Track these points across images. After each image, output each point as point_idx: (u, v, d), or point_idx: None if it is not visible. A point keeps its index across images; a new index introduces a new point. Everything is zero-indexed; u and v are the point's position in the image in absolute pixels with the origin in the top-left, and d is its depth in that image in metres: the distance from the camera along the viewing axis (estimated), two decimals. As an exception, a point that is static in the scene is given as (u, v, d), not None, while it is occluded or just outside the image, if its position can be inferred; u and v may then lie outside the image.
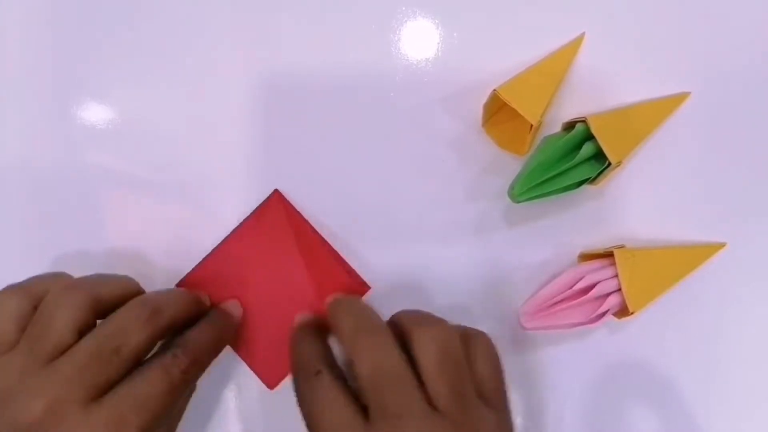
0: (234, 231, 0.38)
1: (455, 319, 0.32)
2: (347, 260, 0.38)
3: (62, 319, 0.29)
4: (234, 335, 0.36)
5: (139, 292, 0.33)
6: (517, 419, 0.37)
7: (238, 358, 0.37)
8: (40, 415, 0.27)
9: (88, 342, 0.29)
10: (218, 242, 0.38)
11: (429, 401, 0.28)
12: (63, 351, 0.28)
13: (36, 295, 0.31)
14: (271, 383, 0.37)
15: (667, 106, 0.38)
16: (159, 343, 0.32)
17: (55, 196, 0.39)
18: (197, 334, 0.33)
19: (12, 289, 0.31)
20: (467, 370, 0.29)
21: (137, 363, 0.30)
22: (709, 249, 0.37)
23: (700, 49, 0.39)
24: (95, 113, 0.39)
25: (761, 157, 0.38)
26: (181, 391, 0.30)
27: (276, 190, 0.38)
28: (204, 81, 0.39)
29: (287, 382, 0.37)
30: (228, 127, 0.39)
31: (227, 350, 0.37)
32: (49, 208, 0.39)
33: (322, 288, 0.37)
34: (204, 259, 0.38)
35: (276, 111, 0.39)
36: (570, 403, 0.37)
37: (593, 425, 0.37)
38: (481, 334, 0.32)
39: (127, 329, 0.29)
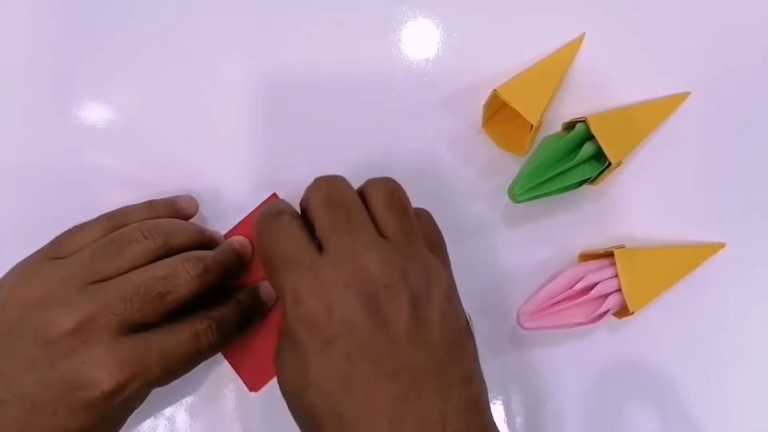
0: (228, 233, 0.37)
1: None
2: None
3: (129, 253, 0.30)
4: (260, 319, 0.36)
5: (202, 241, 0.34)
6: (517, 419, 0.37)
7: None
8: (67, 331, 0.27)
9: (140, 276, 0.29)
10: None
11: (378, 231, 0.28)
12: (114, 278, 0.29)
13: (116, 226, 0.32)
14: (254, 386, 0.36)
15: (667, 106, 0.38)
16: None
17: (55, 196, 0.39)
18: (232, 314, 0.33)
19: (101, 220, 0.33)
20: (414, 216, 0.30)
21: (174, 312, 0.30)
22: (709, 249, 0.37)
23: (700, 49, 0.39)
24: (95, 113, 0.39)
25: (761, 157, 0.38)
26: (200, 360, 0.31)
27: (274, 194, 0.38)
28: (204, 81, 0.39)
29: (271, 386, 0.36)
30: (228, 127, 0.39)
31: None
32: (49, 207, 0.39)
33: None
34: None
35: (276, 110, 0.39)
36: (570, 403, 0.37)
37: (593, 425, 0.37)
38: (424, 210, 0.32)
39: (178, 279, 0.30)
